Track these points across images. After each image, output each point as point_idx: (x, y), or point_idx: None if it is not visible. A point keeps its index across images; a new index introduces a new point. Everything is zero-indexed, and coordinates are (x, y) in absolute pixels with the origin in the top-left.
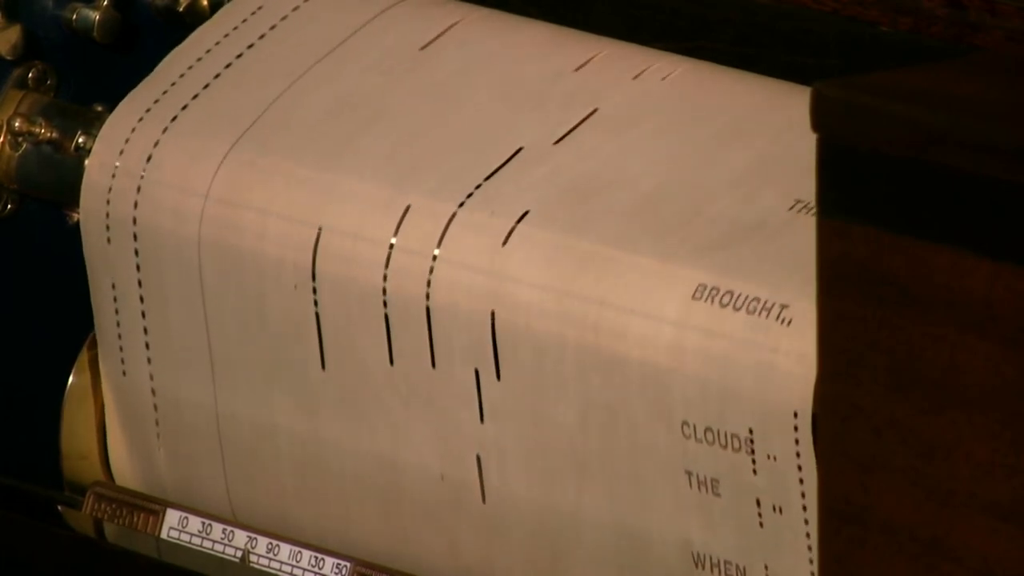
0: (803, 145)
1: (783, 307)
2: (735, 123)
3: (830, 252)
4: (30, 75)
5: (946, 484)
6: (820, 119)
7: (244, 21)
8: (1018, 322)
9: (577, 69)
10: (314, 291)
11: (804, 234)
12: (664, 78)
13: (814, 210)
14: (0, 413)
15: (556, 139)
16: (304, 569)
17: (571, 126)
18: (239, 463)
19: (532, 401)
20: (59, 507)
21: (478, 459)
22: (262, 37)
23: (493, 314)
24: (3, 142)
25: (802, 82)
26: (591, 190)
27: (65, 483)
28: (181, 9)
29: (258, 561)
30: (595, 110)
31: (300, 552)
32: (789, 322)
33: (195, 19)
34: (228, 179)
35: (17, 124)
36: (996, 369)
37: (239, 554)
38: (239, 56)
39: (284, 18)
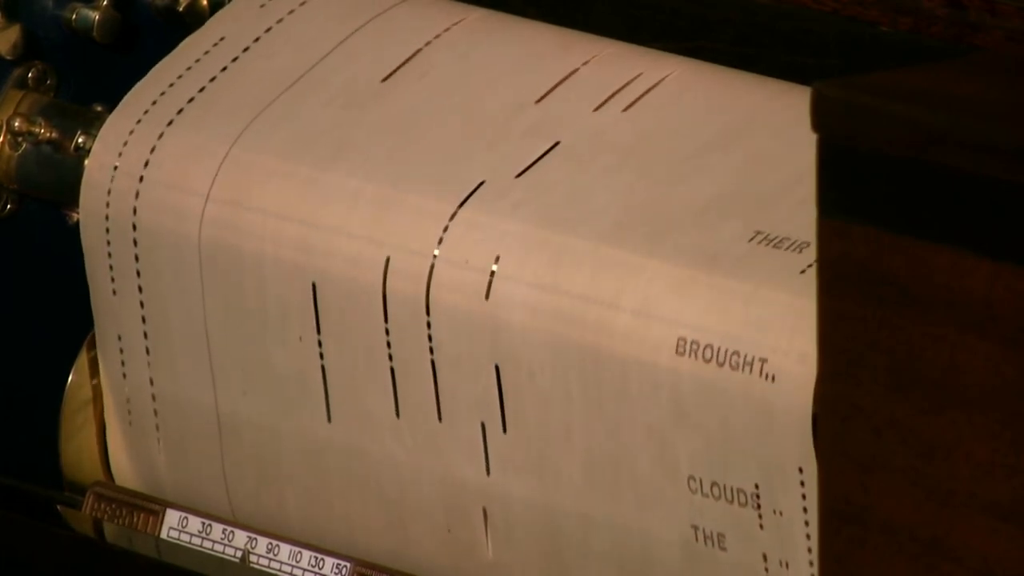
0: (768, 178)
1: (763, 361)
2: (688, 160)
3: (830, 252)
4: (30, 75)
5: (946, 484)
6: (820, 119)
7: (245, 22)
8: (1018, 322)
9: (538, 101)
10: (319, 344)
11: (764, 267)
12: (625, 109)
13: (775, 241)
14: (0, 413)
15: (518, 172)
16: (304, 569)
17: (532, 160)
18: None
19: (538, 454)
20: (59, 507)
21: (484, 513)
22: (259, 39)
23: (498, 368)
24: (3, 142)
25: (802, 82)
26: (557, 225)
27: (65, 483)
28: (181, 9)
29: (258, 561)
30: (556, 143)
31: (300, 552)
32: (773, 378)
33: (195, 19)
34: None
35: (17, 124)
36: (996, 369)
37: (239, 554)
38: (237, 58)
39: (280, 21)
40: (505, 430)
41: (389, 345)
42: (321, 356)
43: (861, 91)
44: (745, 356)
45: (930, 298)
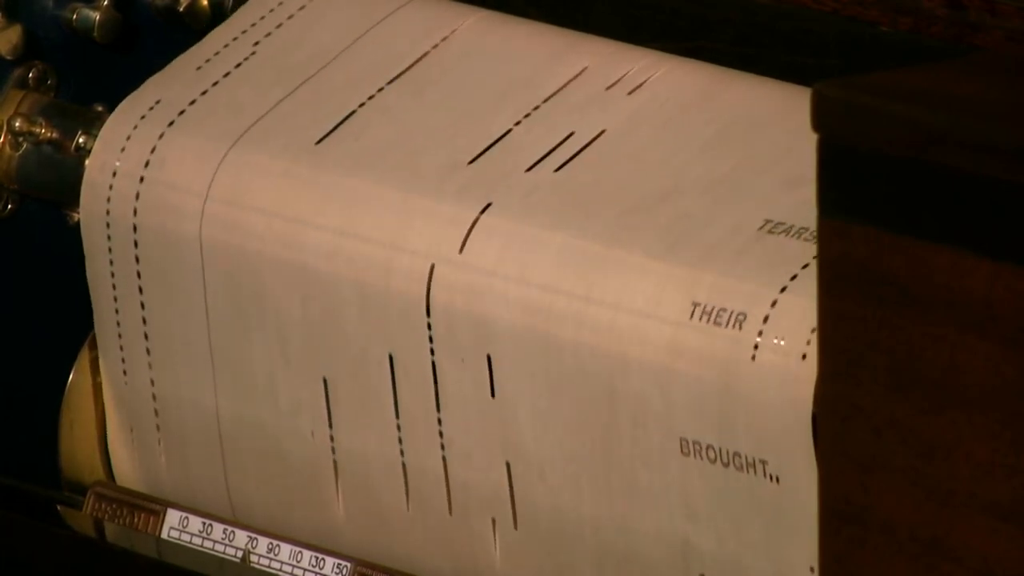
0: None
1: (763, 463)
2: (613, 222)
3: (830, 252)
4: (30, 75)
5: (946, 484)
6: (820, 119)
7: (253, 25)
8: (1018, 322)
9: (471, 162)
10: (331, 439)
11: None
12: (557, 169)
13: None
14: (0, 413)
15: (459, 248)
16: (304, 569)
17: (468, 225)
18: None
19: (549, 550)
20: (59, 507)
21: None
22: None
23: (508, 465)
24: (3, 142)
25: (802, 82)
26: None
27: (65, 483)
28: (181, 9)
29: (259, 561)
30: (489, 204)
31: (300, 552)
32: (777, 480)
33: (195, 19)
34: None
35: (17, 124)
36: (996, 369)
37: (240, 554)
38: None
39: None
40: (516, 526)
41: (402, 452)
42: (339, 499)
43: (861, 91)
44: (746, 457)
45: (930, 298)
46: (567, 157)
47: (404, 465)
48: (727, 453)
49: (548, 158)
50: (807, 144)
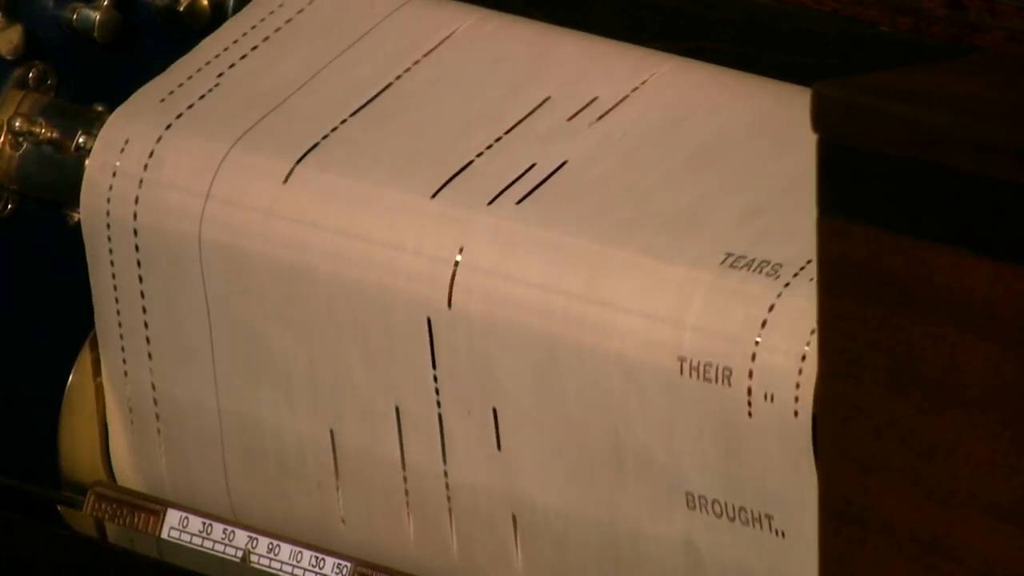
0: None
1: (769, 518)
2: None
3: (830, 252)
4: (30, 75)
5: (946, 484)
6: (820, 119)
7: (253, 27)
8: (1018, 322)
9: (433, 195)
10: (337, 488)
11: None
12: (519, 201)
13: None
14: (0, 413)
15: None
16: (304, 569)
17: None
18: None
19: None
20: (59, 507)
21: None
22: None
23: (514, 517)
24: (3, 142)
25: (802, 82)
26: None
27: (65, 483)
28: (181, 9)
29: (259, 561)
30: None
31: (300, 552)
32: (783, 535)
33: (195, 19)
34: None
35: (18, 124)
36: (996, 369)
37: (240, 554)
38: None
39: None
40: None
41: (407, 492)
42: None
43: (861, 91)
44: (752, 512)
45: (930, 298)
46: (529, 189)
47: (408, 502)
48: (733, 508)
49: (509, 190)
50: (775, 167)
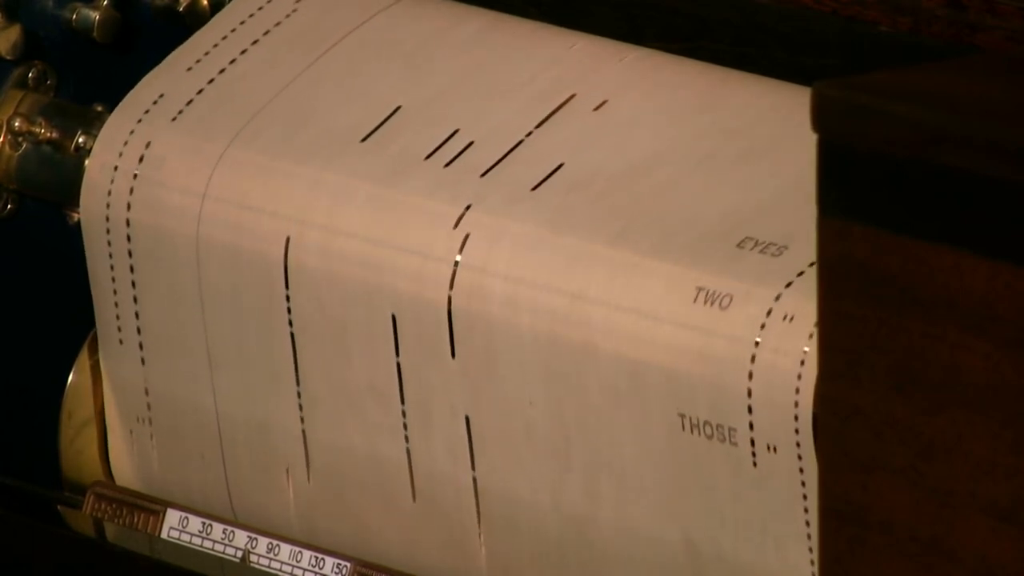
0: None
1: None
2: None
3: (830, 252)
4: (30, 75)
5: (946, 484)
6: (820, 119)
7: (242, 23)
8: (1018, 322)
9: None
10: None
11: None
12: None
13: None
14: (0, 413)
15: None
16: (304, 569)
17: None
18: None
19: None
20: (59, 507)
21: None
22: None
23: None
24: (3, 142)
25: (802, 82)
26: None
27: (65, 483)
28: (181, 9)
29: (258, 561)
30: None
31: (300, 552)
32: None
33: (195, 19)
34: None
35: (17, 124)
36: (996, 369)
37: (239, 554)
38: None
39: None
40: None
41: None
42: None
43: (861, 91)
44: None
45: (930, 298)
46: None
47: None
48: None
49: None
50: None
